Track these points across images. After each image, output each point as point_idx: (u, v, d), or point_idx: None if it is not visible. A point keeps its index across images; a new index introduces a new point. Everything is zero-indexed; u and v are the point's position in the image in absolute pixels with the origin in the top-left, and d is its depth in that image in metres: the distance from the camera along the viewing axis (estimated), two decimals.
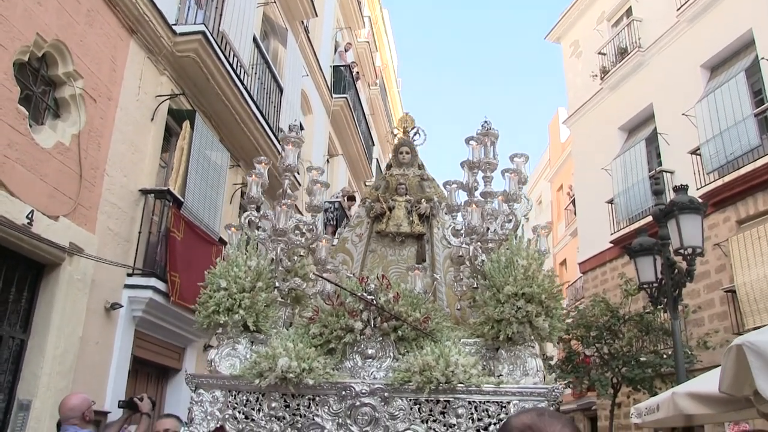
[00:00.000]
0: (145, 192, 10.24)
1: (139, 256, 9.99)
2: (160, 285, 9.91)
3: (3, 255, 7.78)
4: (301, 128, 18.16)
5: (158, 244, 10.24)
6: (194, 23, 11.51)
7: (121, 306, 9.45)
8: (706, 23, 18.14)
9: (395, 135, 7.20)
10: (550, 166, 37.45)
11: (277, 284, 5.36)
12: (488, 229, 5.20)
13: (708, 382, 6.21)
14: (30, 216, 7.65)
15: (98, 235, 9.08)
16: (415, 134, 7.02)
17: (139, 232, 10.06)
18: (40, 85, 8.60)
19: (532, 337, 4.60)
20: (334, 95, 21.65)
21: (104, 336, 9.20)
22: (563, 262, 33.66)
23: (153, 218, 10.30)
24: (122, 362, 9.52)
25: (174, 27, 10.87)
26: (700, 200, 10.01)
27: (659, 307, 10.51)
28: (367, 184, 22.83)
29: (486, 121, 5.67)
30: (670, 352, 14.67)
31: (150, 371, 10.86)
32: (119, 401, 7.23)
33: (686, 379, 9.21)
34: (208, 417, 4.69)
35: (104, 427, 7.31)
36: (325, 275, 5.58)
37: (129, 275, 9.76)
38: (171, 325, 10.48)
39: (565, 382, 18.01)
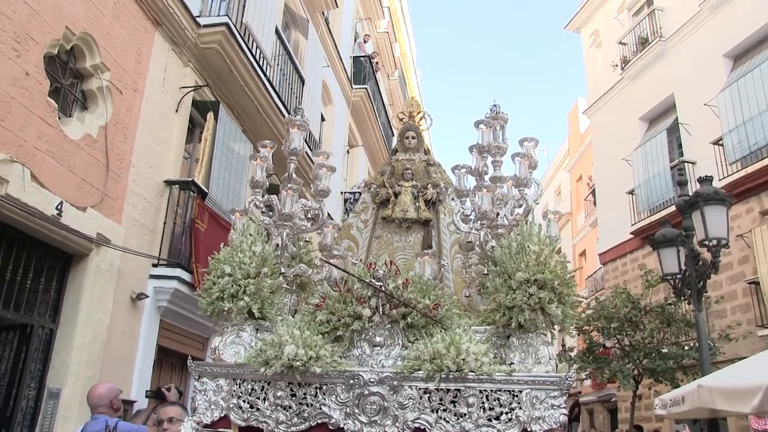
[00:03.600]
0: (170, 183, 10.33)
1: (164, 247, 10.09)
2: (185, 275, 10.01)
3: (33, 245, 7.92)
4: (323, 119, 18.28)
5: (183, 234, 10.32)
6: (218, 15, 11.55)
7: (147, 296, 9.55)
8: (730, 12, 18.00)
9: (401, 119, 7.00)
10: (569, 157, 37.31)
11: (282, 270, 5.21)
12: (498, 214, 5.05)
13: (733, 376, 6.18)
14: (59, 207, 7.75)
15: (124, 226, 9.17)
16: (421, 119, 6.88)
17: (164, 223, 10.16)
18: (68, 78, 8.69)
19: (544, 325, 4.45)
20: (354, 86, 21.66)
21: (130, 326, 9.30)
22: (583, 253, 33.60)
23: (177, 209, 10.38)
24: (148, 352, 9.63)
25: (198, 19, 10.93)
26: (725, 191, 9.94)
27: (683, 298, 10.47)
28: None
29: (495, 105, 5.49)
30: (692, 344, 14.64)
31: (174, 361, 10.94)
32: (146, 391, 7.30)
33: (710, 371, 9.19)
34: (212, 406, 4.59)
35: (131, 417, 7.40)
36: (332, 261, 5.48)
37: (154, 266, 9.85)
38: (195, 315, 10.51)
39: (586, 373, 18.02)
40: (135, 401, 8.64)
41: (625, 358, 15.90)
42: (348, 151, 21.85)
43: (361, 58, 22.85)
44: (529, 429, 4.14)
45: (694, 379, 9.55)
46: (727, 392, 6.67)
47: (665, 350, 15.19)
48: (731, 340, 14.62)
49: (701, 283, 9.57)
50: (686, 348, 14.98)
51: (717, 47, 18.24)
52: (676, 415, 9.11)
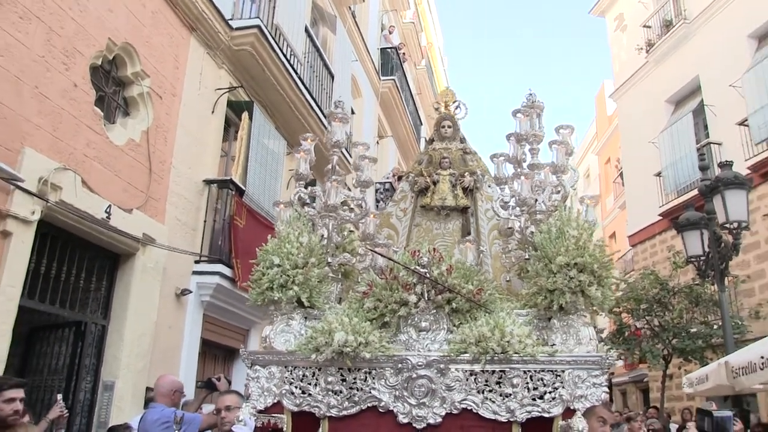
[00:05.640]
0: (208, 182, 10.77)
1: (205, 244, 10.53)
2: (225, 271, 10.45)
3: (84, 247, 8.41)
4: (352, 113, 18.58)
5: (222, 231, 10.74)
6: (249, 17, 11.93)
7: (191, 292, 10.03)
8: None
9: (437, 109, 7.19)
10: (597, 139, 37.23)
11: (328, 260, 5.36)
12: (536, 200, 5.23)
13: (747, 359, 6.44)
14: (108, 210, 8.24)
15: (167, 225, 9.63)
16: (456, 108, 7.04)
17: (204, 221, 10.60)
18: (111, 86, 9.16)
19: (584, 307, 4.62)
20: (382, 77, 21.91)
21: (176, 320, 9.81)
22: (612, 235, 33.57)
23: (217, 207, 10.81)
24: (192, 344, 10.11)
25: (230, 22, 11.33)
26: (745, 175, 10.16)
27: (707, 279, 10.72)
28: None
29: (531, 93, 5.64)
30: (720, 323, 14.82)
31: (217, 353, 11.43)
32: (198, 382, 7.70)
33: (736, 350, 9.42)
34: (265, 393, 4.76)
35: (182, 406, 7.82)
36: (377, 249, 5.65)
37: (196, 262, 10.31)
38: (236, 309, 11.00)
39: (617, 354, 18.25)
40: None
41: (655, 339, 16.09)
42: (378, 142, 22.13)
43: (389, 50, 23.08)
44: (572, 407, 4.32)
45: (722, 357, 9.79)
46: (741, 369, 6.93)
47: (694, 330, 15.37)
48: (760, 319, 14.81)
49: (723, 265, 9.84)
50: (715, 327, 15.13)
51: (741, 28, 18.21)
52: (702, 393, 9.41)
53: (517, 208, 5.40)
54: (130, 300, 8.89)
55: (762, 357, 5.78)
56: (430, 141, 7.18)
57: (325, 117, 13.78)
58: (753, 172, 15.85)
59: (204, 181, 10.72)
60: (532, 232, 5.12)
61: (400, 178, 20.10)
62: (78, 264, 8.31)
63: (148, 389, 8.07)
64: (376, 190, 20.30)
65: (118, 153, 8.69)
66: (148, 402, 6.96)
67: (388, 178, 20.28)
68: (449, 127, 6.95)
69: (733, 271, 12.86)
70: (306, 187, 5.63)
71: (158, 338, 9.26)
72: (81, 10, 8.12)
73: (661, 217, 20.54)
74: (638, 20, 23.37)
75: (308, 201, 5.63)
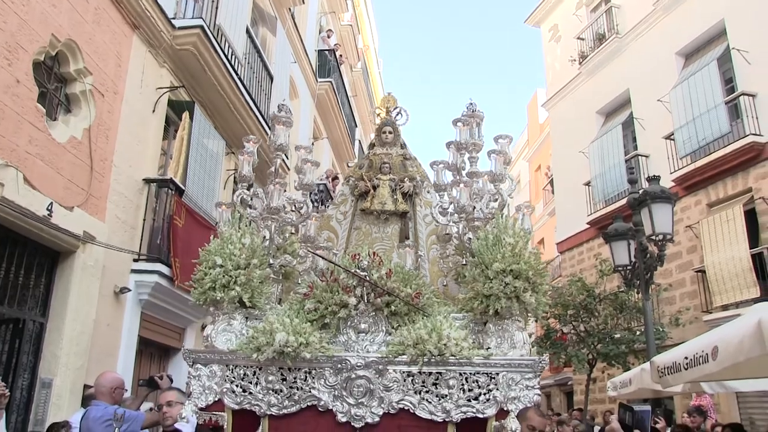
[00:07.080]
0: (148, 181, 10.76)
1: (144, 243, 10.52)
2: (164, 270, 10.47)
3: (23, 244, 8.35)
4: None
5: (162, 230, 10.76)
6: (192, 17, 11.95)
7: (129, 290, 10.01)
8: (681, 12, 18.79)
9: (378, 115, 7.32)
10: (528, 147, 37.92)
11: (270, 261, 5.46)
12: (474, 208, 5.39)
13: (672, 359, 6.78)
14: (50, 207, 8.20)
15: (107, 224, 9.60)
16: (397, 114, 7.16)
17: (144, 220, 10.59)
18: (53, 83, 9.08)
19: (519, 312, 4.80)
20: (319, 79, 21.97)
21: (114, 318, 9.77)
22: (541, 241, 34.17)
23: (156, 206, 10.81)
24: (130, 342, 10.10)
25: (173, 21, 11.30)
26: (670, 187, 10.61)
27: (632, 288, 11.17)
28: (349, 165, 23.12)
29: (471, 103, 5.78)
30: (643, 330, 15.37)
31: (153, 350, 11.42)
32: (140, 380, 7.70)
33: (656, 355, 9.86)
34: (206, 391, 4.89)
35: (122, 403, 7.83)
36: (319, 252, 5.82)
37: (135, 261, 10.29)
38: (173, 307, 11.04)
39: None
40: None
41: (581, 344, 16.57)
42: (313, 143, 22.19)
43: (326, 52, 23.18)
44: (505, 408, 4.54)
45: (645, 362, 10.21)
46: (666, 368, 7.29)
47: (618, 335, 15.90)
48: (679, 326, 15.42)
49: (648, 275, 10.27)
50: (637, 333, 15.62)
51: (669, 45, 19.00)
52: (625, 396, 9.79)
53: (456, 215, 5.58)
54: (70, 298, 8.85)
55: (686, 357, 6.16)
56: (372, 146, 7.29)
57: (263, 118, 13.86)
58: (677, 184, 16.57)
59: (144, 180, 10.70)
60: (469, 239, 5.31)
61: (334, 179, 20.32)
62: (17, 261, 8.26)
63: (86, 387, 8.07)
64: (311, 192, 20.34)
65: (60, 150, 8.63)
66: (86, 399, 6.94)
67: (322, 179, 20.41)
68: (390, 132, 7.06)
69: (656, 279, 13.38)
70: (249, 189, 5.71)
71: (97, 336, 9.23)
72: (24, 4, 8.02)
73: (589, 226, 21.16)
74: (572, 32, 24.03)
75: (250, 203, 5.71)
